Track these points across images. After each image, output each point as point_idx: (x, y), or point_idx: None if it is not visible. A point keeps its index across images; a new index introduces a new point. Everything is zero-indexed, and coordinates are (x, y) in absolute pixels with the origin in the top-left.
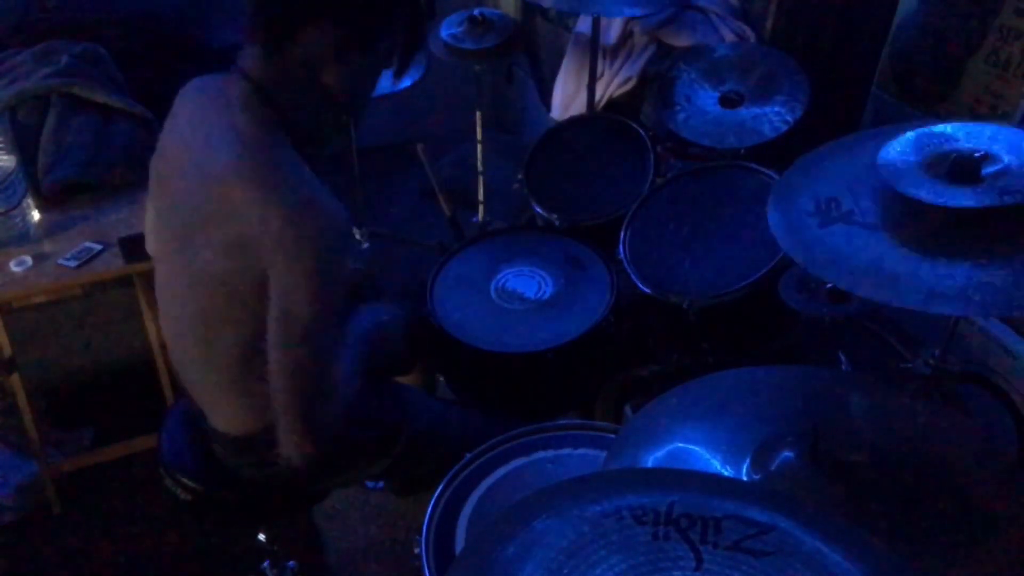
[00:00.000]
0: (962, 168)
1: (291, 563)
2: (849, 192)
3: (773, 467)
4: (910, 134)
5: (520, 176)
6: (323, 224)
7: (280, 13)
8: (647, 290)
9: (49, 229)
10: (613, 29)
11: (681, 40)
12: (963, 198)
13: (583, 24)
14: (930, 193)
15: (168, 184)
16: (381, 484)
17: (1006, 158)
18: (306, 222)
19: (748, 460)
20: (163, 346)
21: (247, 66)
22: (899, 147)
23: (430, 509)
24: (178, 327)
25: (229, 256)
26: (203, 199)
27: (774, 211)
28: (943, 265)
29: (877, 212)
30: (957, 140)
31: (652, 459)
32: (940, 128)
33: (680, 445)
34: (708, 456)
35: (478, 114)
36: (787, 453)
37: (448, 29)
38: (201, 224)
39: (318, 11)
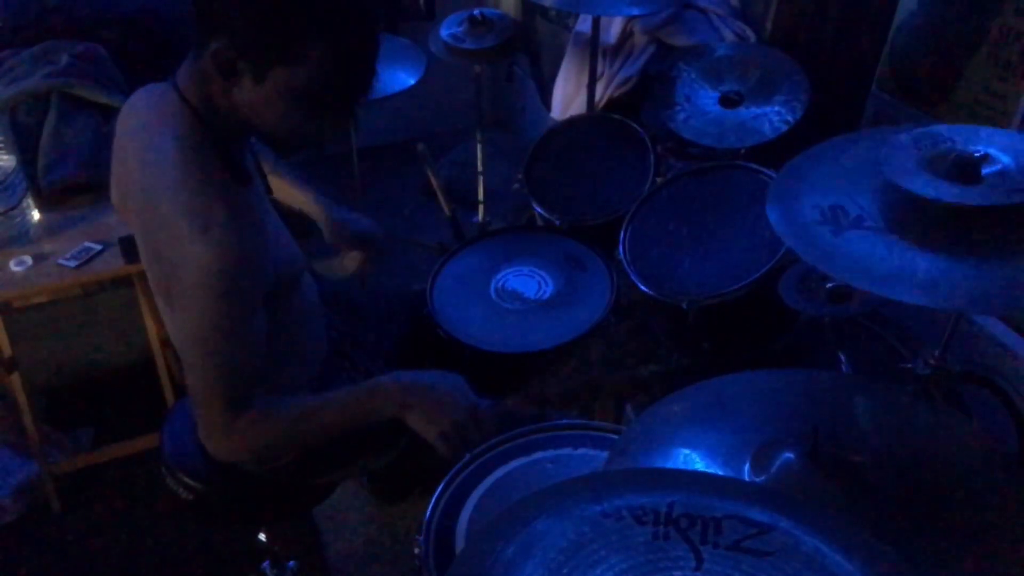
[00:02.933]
0: (962, 168)
1: (291, 563)
2: (850, 199)
3: (774, 469)
4: (905, 136)
5: (520, 176)
6: (220, 250)
7: (196, 20)
8: (647, 290)
9: (49, 229)
10: (613, 29)
11: (681, 40)
12: (973, 196)
13: (583, 24)
14: (940, 192)
15: (124, 198)
16: (368, 483)
17: (1004, 159)
18: (202, 244)
19: (748, 462)
20: (163, 346)
21: (181, 78)
22: (898, 147)
23: (430, 509)
24: (167, 324)
25: (158, 267)
26: (144, 216)
27: (779, 222)
28: (973, 266)
29: (886, 217)
30: (954, 141)
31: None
32: (936, 130)
33: (681, 451)
34: (710, 463)
35: (478, 114)
36: (787, 454)
37: (448, 29)
38: (145, 237)
39: (217, 23)
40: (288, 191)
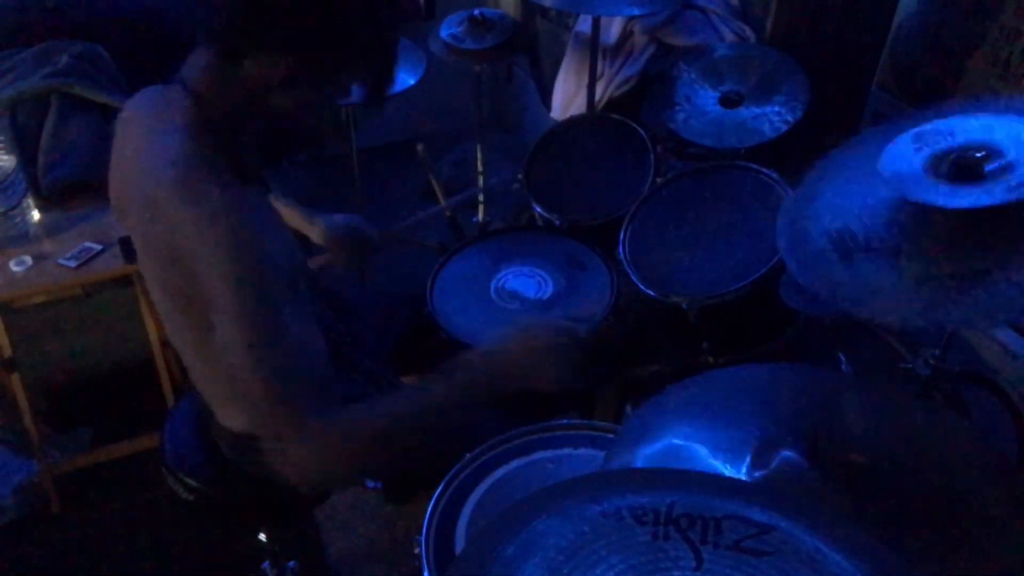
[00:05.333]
0: (963, 168)
1: (291, 563)
2: (857, 219)
3: (773, 466)
4: (905, 137)
5: (520, 176)
6: (230, 235)
7: (233, 36)
8: (647, 290)
9: (49, 229)
10: (613, 29)
11: (681, 40)
12: (970, 198)
13: (583, 24)
14: (941, 196)
15: (124, 200)
16: (381, 484)
17: (1008, 151)
18: (213, 233)
19: (748, 458)
20: (163, 346)
21: (191, 78)
22: (898, 153)
23: (430, 509)
24: (171, 330)
25: (175, 270)
26: (147, 216)
27: (791, 258)
28: (982, 280)
29: (892, 232)
30: (953, 135)
31: (647, 454)
32: (933, 126)
33: (676, 442)
34: (706, 453)
35: (478, 114)
36: (787, 453)
37: (448, 29)
38: (149, 239)
39: (272, 41)
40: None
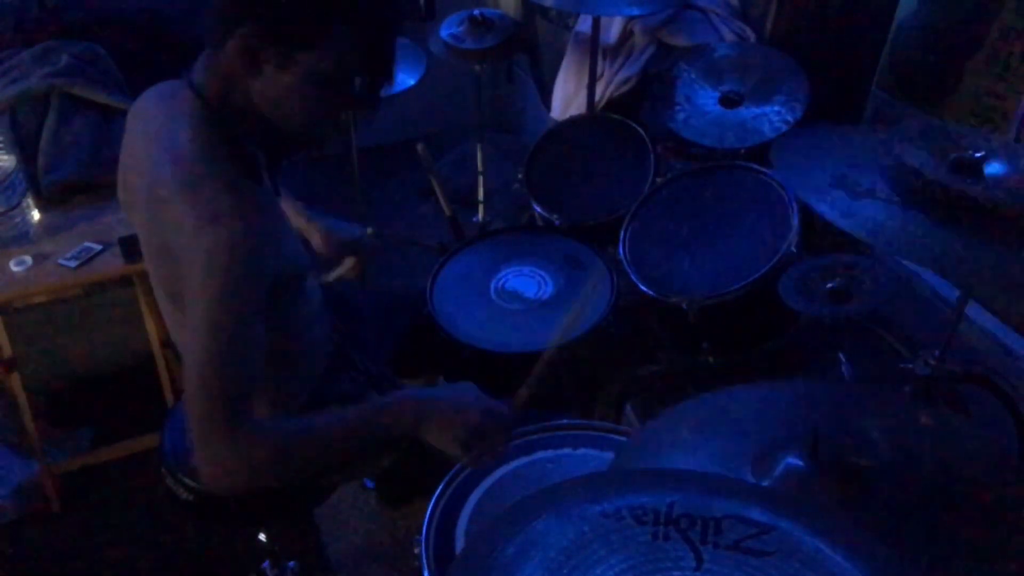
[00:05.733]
0: (964, 166)
1: (291, 563)
2: (859, 173)
3: (775, 472)
4: (912, 124)
5: (520, 176)
6: (229, 240)
7: (212, 17)
8: (647, 290)
9: (49, 229)
10: (613, 29)
11: (681, 40)
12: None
13: (583, 24)
14: (941, 175)
15: (131, 196)
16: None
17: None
18: (211, 235)
19: (748, 470)
20: (163, 346)
21: (198, 77)
22: (906, 134)
23: (430, 509)
24: (171, 327)
25: (166, 266)
26: (149, 213)
27: (794, 182)
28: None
29: (897, 193)
30: (960, 138)
31: None
32: (939, 124)
33: (682, 464)
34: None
35: (478, 114)
36: (788, 458)
37: (448, 29)
38: (150, 235)
39: (236, 14)
40: None
